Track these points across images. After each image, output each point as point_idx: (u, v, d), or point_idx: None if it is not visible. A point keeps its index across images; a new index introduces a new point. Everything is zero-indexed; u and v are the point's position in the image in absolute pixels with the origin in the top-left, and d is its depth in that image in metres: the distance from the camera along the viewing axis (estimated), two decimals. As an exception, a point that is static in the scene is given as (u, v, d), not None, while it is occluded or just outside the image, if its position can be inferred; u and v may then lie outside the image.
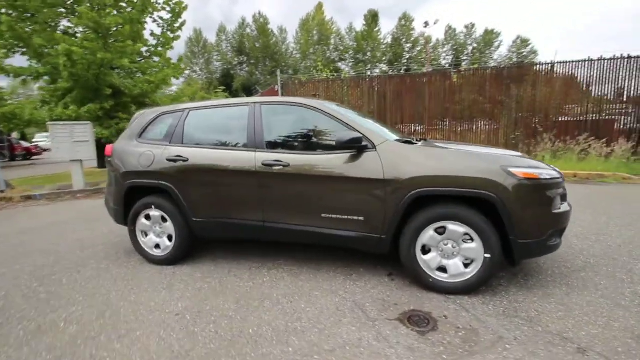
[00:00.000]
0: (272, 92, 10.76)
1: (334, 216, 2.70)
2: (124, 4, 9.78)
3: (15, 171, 12.85)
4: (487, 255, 2.40)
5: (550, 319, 2.19)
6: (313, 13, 50.31)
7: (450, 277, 2.51)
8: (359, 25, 51.37)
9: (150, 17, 10.85)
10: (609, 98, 8.72)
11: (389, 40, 51.40)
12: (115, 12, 8.62)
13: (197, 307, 2.50)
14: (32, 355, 2.03)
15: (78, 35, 9.07)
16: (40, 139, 25.76)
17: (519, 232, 2.33)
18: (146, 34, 10.83)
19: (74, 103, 8.77)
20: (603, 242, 3.52)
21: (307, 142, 2.88)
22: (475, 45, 52.86)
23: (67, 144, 7.32)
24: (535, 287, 2.60)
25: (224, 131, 3.14)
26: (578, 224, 4.09)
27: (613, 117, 8.73)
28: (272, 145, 2.90)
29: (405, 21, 50.15)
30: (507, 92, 9.40)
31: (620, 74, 8.43)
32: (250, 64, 49.73)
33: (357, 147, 2.56)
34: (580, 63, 8.65)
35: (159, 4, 10.62)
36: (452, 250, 2.50)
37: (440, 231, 2.50)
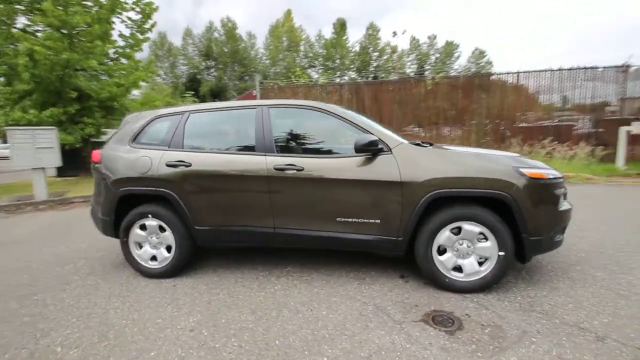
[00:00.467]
0: (249, 97, 10.57)
1: (349, 220, 2.67)
2: (89, 2, 9.19)
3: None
4: (501, 253, 2.48)
5: (563, 311, 2.30)
6: (282, 19, 50.43)
7: (466, 276, 2.57)
8: (328, 33, 52.13)
9: (118, 18, 10.30)
10: (557, 105, 9.56)
11: (357, 48, 52.67)
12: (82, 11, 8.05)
13: (211, 321, 2.35)
14: (32, 386, 1.79)
15: (38, 34, 8.37)
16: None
17: (531, 229, 2.44)
18: (114, 35, 10.25)
19: (34, 107, 8.03)
20: (586, 238, 3.78)
21: (320, 145, 2.84)
22: (437, 55, 55.61)
23: (29, 150, 6.68)
24: (540, 282, 2.72)
25: (229, 135, 3.01)
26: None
27: (571, 122, 9.50)
28: (283, 149, 2.82)
29: (372, 31, 51.70)
30: (477, 99, 9.94)
31: (565, 84, 9.28)
32: (218, 69, 48.68)
33: (373, 149, 2.56)
34: (542, 73, 9.35)
35: (128, 4, 10.11)
36: (467, 249, 2.56)
37: (455, 231, 2.55)
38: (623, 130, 8.09)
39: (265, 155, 2.78)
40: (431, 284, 2.71)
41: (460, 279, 2.57)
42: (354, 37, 56.88)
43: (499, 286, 2.65)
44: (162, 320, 2.39)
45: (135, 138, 3.15)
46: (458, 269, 2.59)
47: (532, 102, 9.92)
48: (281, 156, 2.76)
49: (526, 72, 9.51)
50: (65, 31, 7.93)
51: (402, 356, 1.91)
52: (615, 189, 6.52)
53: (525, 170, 2.46)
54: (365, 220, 2.64)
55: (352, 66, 51.71)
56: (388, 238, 2.63)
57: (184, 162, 2.90)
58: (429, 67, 54.71)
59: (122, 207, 3.09)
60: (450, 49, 54.55)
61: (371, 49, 52.38)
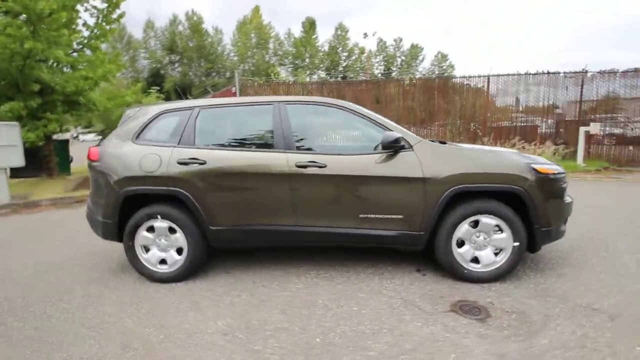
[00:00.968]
0: (228, 93, 10.27)
1: (372, 216, 2.70)
2: (50, -13, 8.41)
3: None
4: (516, 244, 2.64)
5: (575, 295, 2.49)
6: (250, 16, 49.44)
7: (483, 267, 2.70)
8: (296, 31, 51.87)
9: (82, 6, 9.54)
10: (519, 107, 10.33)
11: (326, 48, 52.98)
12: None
13: (242, 324, 2.28)
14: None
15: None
16: None
17: (542, 221, 2.62)
18: (78, 25, 9.48)
19: (-11, 100, 7.23)
20: (571, 227, 4.10)
21: (340, 142, 2.84)
22: (403, 57, 57.44)
23: (-13, 149, 6.03)
24: (547, 270, 2.93)
25: (245, 131, 2.92)
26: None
27: (536, 123, 10.25)
28: (303, 146, 2.79)
29: (341, 31, 52.24)
30: (452, 100, 10.42)
31: (518, 87, 10.05)
32: (183, 64, 46.74)
33: (398, 147, 2.61)
34: (511, 77, 9.98)
35: (94, -9, 9.40)
36: (483, 241, 2.69)
37: (472, 224, 2.67)
38: (582, 131, 8.87)
39: (285, 152, 2.73)
40: (448, 275, 2.82)
41: (478, 270, 2.70)
42: (323, 36, 57.18)
43: (511, 275, 2.81)
44: (189, 326, 2.27)
45: (139, 134, 2.95)
46: (475, 260, 2.71)
47: (496, 104, 10.60)
48: (302, 153, 2.73)
49: (496, 75, 10.11)
50: (26, 18, 7.21)
51: (446, 345, 1.97)
52: (581, 184, 7.14)
53: (536, 166, 2.63)
54: (389, 216, 2.68)
55: (321, 65, 51.97)
56: (410, 233, 2.70)
57: (197, 159, 2.77)
58: (395, 69, 56.45)
59: (125, 209, 2.90)
60: (415, 51, 56.51)
61: (340, 49, 52.97)
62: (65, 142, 10.83)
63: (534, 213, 2.60)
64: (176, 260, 2.90)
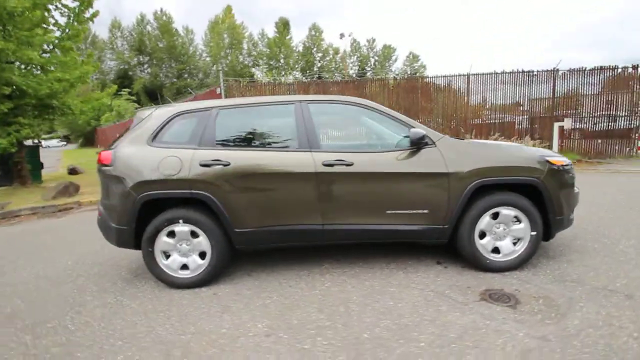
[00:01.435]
0: (213, 94, 10.04)
1: (398, 211, 2.76)
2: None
3: None
4: (533, 233, 2.78)
5: (589, 278, 2.66)
6: (222, 16, 48.51)
7: (504, 256, 2.83)
8: (270, 32, 51.42)
9: (53, 5, 8.99)
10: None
11: (300, 48, 52.94)
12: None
13: (282, 324, 2.26)
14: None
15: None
16: None
17: (557, 210, 2.78)
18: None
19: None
20: (564, 216, 4.38)
21: (364, 140, 2.87)
22: (376, 58, 58.48)
23: (-42, 157, 5.55)
24: (556, 257, 3.10)
25: (267, 131, 2.89)
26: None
27: (513, 119, 10.79)
28: (328, 145, 2.80)
29: (315, 32, 52.39)
30: (435, 98, 10.76)
31: (496, 85, 10.58)
32: (153, 65, 45.11)
33: (423, 143, 2.68)
34: (489, 75, 10.44)
35: (66, -11, 8.88)
36: (503, 232, 2.82)
37: (492, 216, 2.79)
38: (556, 126, 9.44)
39: (311, 152, 2.73)
40: (468, 266, 2.93)
41: (499, 260, 2.82)
42: (297, 37, 57.15)
43: (527, 264, 2.96)
44: (227, 330, 2.23)
45: (155, 137, 2.85)
46: (495, 250, 2.84)
47: (476, 101, 11.07)
48: (328, 152, 2.74)
49: (475, 74, 10.54)
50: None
51: (489, 332, 2.05)
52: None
53: (549, 159, 2.79)
54: (415, 211, 2.75)
55: (296, 66, 51.85)
56: (435, 227, 2.78)
57: (220, 160, 2.71)
58: (369, 69, 57.35)
59: (141, 214, 2.78)
60: (388, 52, 57.71)
61: (315, 49, 53.10)
62: (36, 148, 10.17)
63: (549, 203, 2.76)
64: (199, 265, 2.82)
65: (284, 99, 2.93)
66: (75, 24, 9.47)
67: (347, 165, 2.69)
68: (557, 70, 9.96)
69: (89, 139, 34.38)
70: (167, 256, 2.84)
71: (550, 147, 9.61)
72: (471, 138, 10.23)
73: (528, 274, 2.79)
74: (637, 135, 9.79)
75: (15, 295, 2.92)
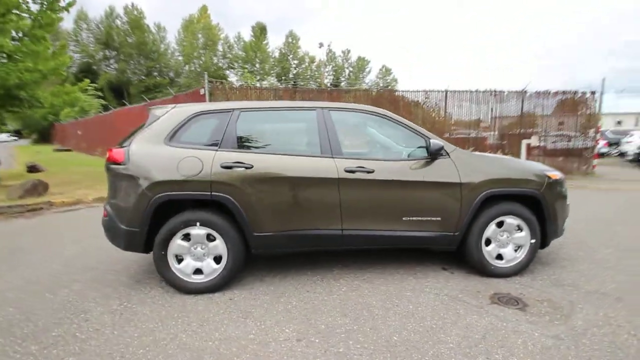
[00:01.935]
0: (196, 95, 9.75)
1: (414, 218, 2.87)
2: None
3: None
4: (533, 241, 3.01)
5: (582, 283, 2.92)
6: (197, 15, 47.46)
7: (506, 263, 3.03)
8: (246, 36, 50.98)
9: (23, -10, 8.38)
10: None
11: (276, 54, 52.95)
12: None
13: (310, 329, 2.27)
14: None
15: None
16: None
17: (553, 220, 3.03)
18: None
19: None
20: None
21: (383, 148, 2.97)
22: (351, 69, 59.85)
23: None
24: (548, 264, 3.36)
25: (289, 136, 2.91)
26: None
27: (485, 135, 11.49)
28: (349, 152, 2.87)
29: (292, 39, 52.72)
30: (414, 111, 11.22)
31: (471, 102, 11.27)
32: (120, 60, 42.94)
33: (439, 154, 2.83)
34: (465, 93, 11.08)
35: (39, -26, 8.32)
36: (506, 240, 3.02)
37: (498, 225, 2.99)
38: (524, 143, 10.19)
39: (333, 158, 2.79)
40: (473, 272, 3.10)
41: (502, 266, 3.02)
42: (273, 43, 57.14)
43: (525, 270, 3.18)
44: (255, 336, 2.20)
45: (173, 136, 2.76)
46: (499, 257, 3.03)
47: (452, 116, 11.68)
48: (349, 159, 2.81)
49: (453, 91, 11.15)
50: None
51: (508, 332, 2.20)
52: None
53: (548, 172, 3.05)
54: (429, 218, 2.88)
55: (272, 72, 51.72)
56: (446, 234, 2.93)
57: (243, 163, 2.69)
58: (344, 79, 58.50)
59: (157, 216, 2.68)
60: (362, 64, 59.29)
61: (291, 56, 53.35)
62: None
63: (547, 213, 3.01)
64: (214, 269, 2.75)
65: (305, 105, 2.97)
66: (49, 12, 8.90)
67: (368, 172, 2.78)
68: (526, 91, 10.81)
69: (44, 135, 31.89)
70: (179, 260, 2.75)
71: (518, 162, 10.34)
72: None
73: (527, 279, 3.01)
74: (592, 154, 10.81)
75: (6, 303, 2.67)
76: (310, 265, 3.31)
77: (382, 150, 3.02)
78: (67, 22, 41.70)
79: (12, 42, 8.01)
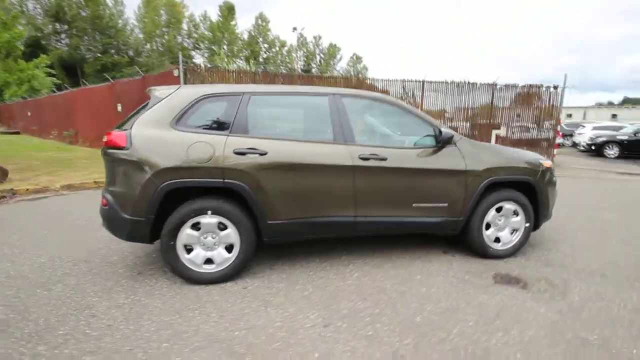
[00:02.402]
0: (169, 75, 9.18)
1: (423, 205, 2.96)
2: None
3: None
4: (527, 225, 3.23)
5: (571, 262, 3.19)
6: (160, -10, 44.28)
7: (502, 245, 3.22)
8: (213, 16, 48.45)
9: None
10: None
11: (245, 36, 51.03)
12: None
13: (334, 314, 2.29)
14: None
15: None
16: None
17: (545, 205, 3.26)
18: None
19: None
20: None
21: (393, 135, 3.00)
22: (322, 55, 59.23)
23: None
24: (537, 246, 3.61)
25: (302, 121, 2.84)
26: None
27: (457, 125, 11.96)
28: (362, 139, 2.87)
29: (262, 21, 50.97)
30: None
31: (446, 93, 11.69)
32: (73, 35, 39.26)
33: (448, 143, 2.91)
34: (441, 84, 11.41)
35: None
36: (503, 224, 3.21)
37: (497, 210, 3.16)
38: (494, 133, 10.76)
39: (347, 145, 2.78)
40: (471, 255, 3.27)
41: (499, 248, 3.21)
42: (242, 24, 54.82)
43: (518, 252, 3.40)
44: (282, 323, 2.19)
45: (179, 119, 2.60)
46: (497, 240, 3.22)
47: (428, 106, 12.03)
48: (363, 146, 2.81)
49: (429, 81, 11.43)
50: None
51: (520, 309, 2.36)
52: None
53: (541, 161, 3.26)
54: (437, 205, 2.98)
55: (241, 55, 49.85)
56: (451, 219, 3.05)
57: (257, 149, 2.60)
58: (315, 65, 57.87)
59: (164, 204, 2.54)
60: (333, 50, 58.87)
61: (261, 39, 51.68)
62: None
63: (541, 199, 3.22)
64: (225, 259, 2.67)
65: (317, 90, 2.91)
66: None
67: (381, 159, 2.80)
68: (496, 84, 11.34)
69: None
70: (189, 250, 2.64)
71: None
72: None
73: (522, 260, 3.23)
74: (553, 144, 11.67)
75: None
76: (317, 252, 3.31)
77: (392, 138, 3.05)
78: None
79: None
